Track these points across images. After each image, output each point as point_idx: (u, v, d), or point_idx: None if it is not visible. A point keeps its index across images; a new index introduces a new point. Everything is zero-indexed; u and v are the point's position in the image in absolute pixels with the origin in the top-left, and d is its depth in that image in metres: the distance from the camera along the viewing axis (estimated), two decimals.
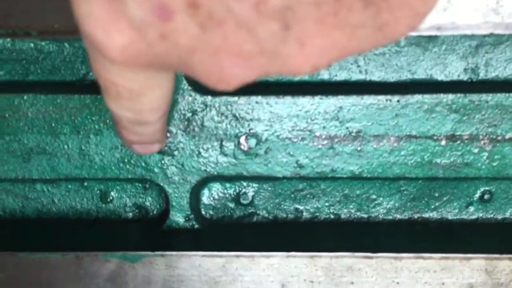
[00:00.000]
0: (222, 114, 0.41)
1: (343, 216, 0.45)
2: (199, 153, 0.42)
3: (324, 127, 0.41)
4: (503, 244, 0.42)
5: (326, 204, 0.45)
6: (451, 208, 0.44)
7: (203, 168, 0.42)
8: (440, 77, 0.41)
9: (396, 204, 0.44)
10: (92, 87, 0.41)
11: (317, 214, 0.45)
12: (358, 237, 0.44)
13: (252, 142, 0.41)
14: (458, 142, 0.41)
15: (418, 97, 0.40)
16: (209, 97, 0.41)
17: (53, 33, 0.39)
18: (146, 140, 0.34)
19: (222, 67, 0.22)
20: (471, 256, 0.41)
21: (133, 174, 0.42)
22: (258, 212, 0.45)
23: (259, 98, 0.41)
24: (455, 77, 0.41)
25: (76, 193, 0.45)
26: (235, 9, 0.21)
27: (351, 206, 0.45)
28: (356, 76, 0.42)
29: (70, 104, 0.41)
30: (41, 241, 0.43)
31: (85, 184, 0.45)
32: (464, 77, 0.41)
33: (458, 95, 0.40)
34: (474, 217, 0.44)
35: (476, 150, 0.41)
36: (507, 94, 0.40)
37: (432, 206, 0.44)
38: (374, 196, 0.44)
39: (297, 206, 0.45)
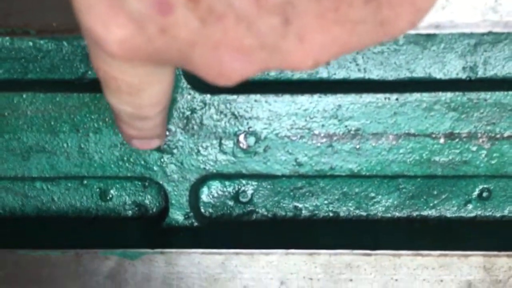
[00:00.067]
0: (221, 112, 0.41)
1: (342, 213, 0.45)
2: (198, 151, 0.42)
3: (323, 125, 0.41)
4: (502, 241, 0.42)
5: (325, 202, 0.45)
6: (449, 205, 0.44)
7: (202, 166, 0.42)
8: (438, 75, 0.41)
9: (395, 202, 0.44)
10: (91, 86, 0.41)
11: (316, 212, 0.45)
12: (357, 234, 0.44)
13: (251, 140, 0.42)
14: (457, 140, 0.41)
15: (416, 95, 0.40)
16: (208, 96, 0.41)
17: (52, 31, 0.39)
18: (146, 135, 0.34)
19: (222, 62, 0.22)
20: (470, 253, 0.41)
21: (133, 172, 0.42)
22: (257, 210, 0.45)
23: (258, 96, 0.41)
24: (453, 76, 0.41)
25: (76, 191, 0.45)
26: (235, 3, 0.21)
27: (350, 204, 0.45)
28: (355, 74, 0.42)
29: (69, 102, 0.41)
30: (41, 238, 0.43)
31: (85, 182, 0.45)
32: (463, 76, 0.41)
33: (457, 93, 0.40)
34: (472, 214, 0.44)
35: (474, 148, 0.41)
36: (505, 92, 0.40)
37: (431, 204, 0.44)
38: (373, 194, 0.44)
39: (296, 204, 0.45)
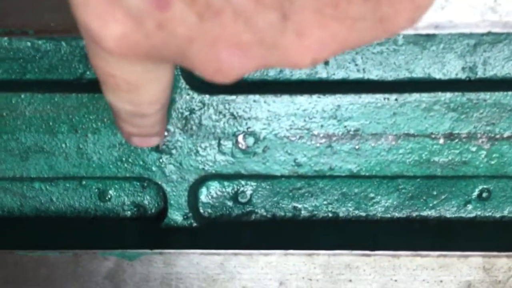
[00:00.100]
0: (220, 112, 0.41)
1: (341, 214, 0.45)
2: (197, 151, 0.42)
3: (322, 126, 0.41)
4: (501, 242, 0.42)
5: (324, 202, 0.45)
6: (449, 206, 0.44)
7: (201, 166, 0.42)
8: (438, 75, 0.41)
9: (394, 202, 0.44)
10: (89, 86, 0.41)
11: (315, 212, 0.45)
12: (356, 235, 0.44)
13: (250, 140, 0.41)
14: (456, 140, 0.41)
15: (416, 95, 0.40)
16: (207, 96, 0.41)
17: (50, 31, 0.39)
18: (146, 133, 0.34)
19: (220, 58, 0.22)
20: (469, 254, 0.41)
21: (131, 172, 0.42)
22: (256, 210, 0.45)
23: (256, 96, 0.41)
24: (453, 76, 0.41)
25: (74, 192, 0.45)
26: None
27: (349, 204, 0.45)
28: (354, 74, 0.42)
29: (67, 103, 0.41)
30: (40, 239, 0.43)
31: (83, 182, 0.45)
32: (462, 76, 0.41)
33: (456, 93, 0.40)
34: (472, 215, 0.44)
35: (474, 149, 0.41)
36: (505, 93, 0.39)
37: (430, 204, 0.44)
38: (372, 195, 0.44)
39: (295, 204, 0.45)
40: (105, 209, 0.45)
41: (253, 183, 0.45)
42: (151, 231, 0.44)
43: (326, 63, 0.41)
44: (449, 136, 0.41)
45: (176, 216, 0.43)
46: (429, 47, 0.40)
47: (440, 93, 0.40)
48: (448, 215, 0.44)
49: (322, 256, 0.41)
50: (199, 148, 0.42)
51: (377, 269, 0.41)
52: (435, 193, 0.44)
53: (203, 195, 0.45)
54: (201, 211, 0.45)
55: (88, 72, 0.42)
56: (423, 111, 0.40)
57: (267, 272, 0.42)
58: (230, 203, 0.45)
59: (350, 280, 0.41)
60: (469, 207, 0.44)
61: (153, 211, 0.45)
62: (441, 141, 0.41)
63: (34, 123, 0.41)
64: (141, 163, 0.42)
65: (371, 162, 0.41)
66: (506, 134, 0.40)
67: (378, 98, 0.40)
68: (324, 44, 0.22)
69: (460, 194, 0.44)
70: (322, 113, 0.41)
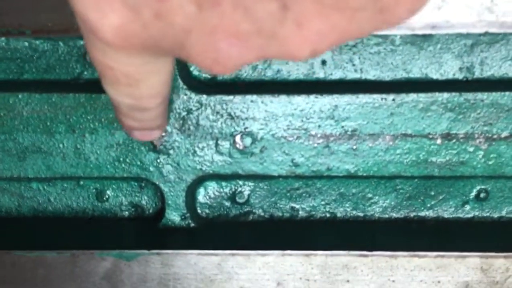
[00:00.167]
0: (217, 113, 0.41)
1: (339, 214, 0.45)
2: (195, 152, 0.42)
3: (319, 126, 0.41)
4: (499, 242, 0.42)
5: (322, 202, 0.45)
6: (447, 206, 0.44)
7: (198, 167, 0.42)
8: (435, 76, 0.41)
9: (392, 203, 0.44)
10: (87, 86, 0.41)
11: (313, 212, 0.45)
12: (354, 235, 0.44)
13: (248, 141, 0.41)
14: (454, 140, 0.41)
15: (413, 96, 0.40)
16: (204, 96, 0.41)
17: (47, 31, 0.39)
18: (147, 126, 0.34)
19: (218, 48, 0.22)
20: (467, 255, 0.41)
21: (129, 172, 0.42)
22: (254, 210, 0.45)
23: (254, 97, 0.41)
24: (450, 76, 0.41)
25: (72, 192, 0.45)
26: None
27: (347, 205, 0.45)
28: (351, 74, 0.42)
29: (65, 103, 0.41)
30: (37, 239, 0.43)
31: (81, 183, 0.45)
32: (460, 76, 0.41)
33: (454, 94, 0.40)
34: (470, 215, 0.44)
35: (471, 149, 0.41)
36: (502, 93, 0.39)
37: (428, 205, 0.44)
38: (370, 195, 0.44)
39: (293, 204, 0.45)
40: (102, 209, 0.45)
41: (251, 184, 0.45)
42: (149, 231, 0.44)
43: (324, 63, 0.41)
44: (447, 137, 0.41)
45: (173, 216, 0.43)
46: (426, 47, 0.40)
47: (437, 93, 0.40)
48: (446, 215, 0.44)
49: (320, 257, 0.41)
50: (196, 148, 0.42)
51: (374, 270, 0.41)
52: (432, 193, 0.44)
53: (201, 196, 0.45)
54: (199, 211, 0.45)
55: (85, 72, 0.42)
56: (420, 111, 0.40)
57: (264, 272, 0.42)
58: (227, 204, 0.45)
59: (348, 281, 0.41)
60: (467, 207, 0.44)
61: (150, 211, 0.45)
62: (439, 141, 0.41)
63: (32, 123, 0.41)
64: (138, 163, 0.42)
65: (368, 162, 0.41)
66: (503, 134, 0.40)
67: (376, 98, 0.40)
68: (323, 34, 0.22)
69: (457, 195, 0.44)
70: (320, 113, 0.41)
